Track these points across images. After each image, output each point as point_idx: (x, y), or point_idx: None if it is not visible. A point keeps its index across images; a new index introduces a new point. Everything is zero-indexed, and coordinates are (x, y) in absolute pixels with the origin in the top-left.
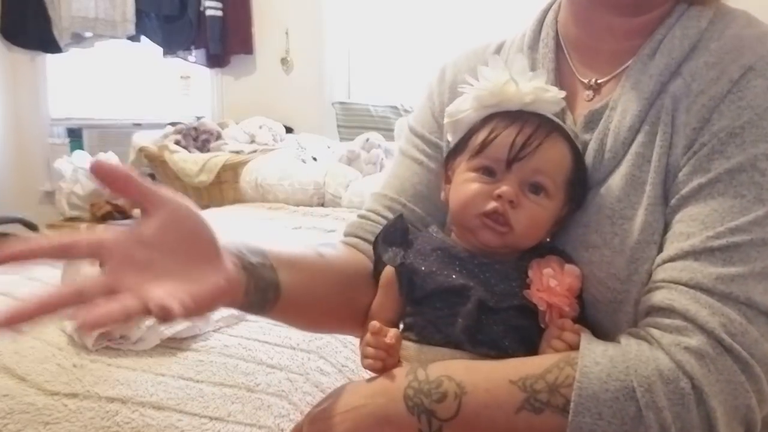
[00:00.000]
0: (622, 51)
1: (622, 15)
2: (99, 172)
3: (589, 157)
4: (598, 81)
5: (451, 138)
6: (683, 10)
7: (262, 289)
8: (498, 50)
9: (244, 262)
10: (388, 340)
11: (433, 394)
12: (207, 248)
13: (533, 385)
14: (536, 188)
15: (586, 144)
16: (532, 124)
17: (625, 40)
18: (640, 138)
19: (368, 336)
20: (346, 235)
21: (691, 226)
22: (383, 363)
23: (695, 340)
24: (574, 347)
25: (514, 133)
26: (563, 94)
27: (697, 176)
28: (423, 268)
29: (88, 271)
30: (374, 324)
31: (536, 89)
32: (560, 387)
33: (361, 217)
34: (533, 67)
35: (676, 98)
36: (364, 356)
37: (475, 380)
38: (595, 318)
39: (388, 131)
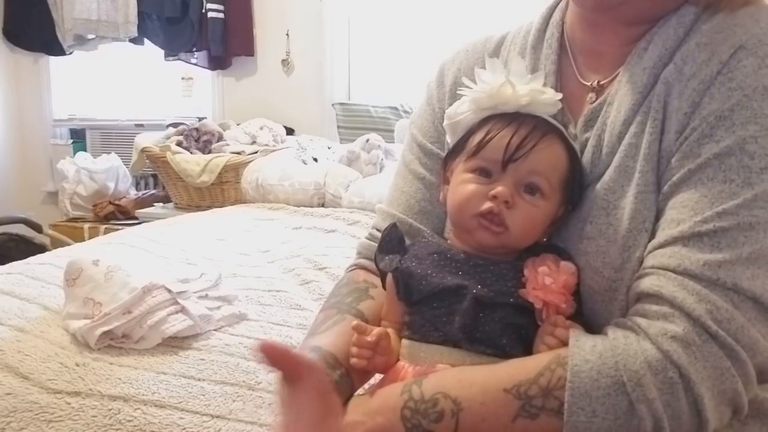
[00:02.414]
0: (625, 53)
1: (629, 25)
2: (267, 353)
3: (587, 154)
4: (601, 82)
5: (450, 139)
6: (683, 2)
7: (349, 396)
8: (500, 44)
9: (332, 383)
10: (369, 338)
11: (430, 414)
12: (332, 402)
13: (527, 392)
14: (532, 189)
15: (585, 142)
16: (527, 125)
17: (629, 45)
18: (632, 129)
19: (354, 335)
20: (359, 256)
21: (681, 213)
22: (368, 360)
23: (681, 328)
24: (567, 343)
25: (510, 135)
26: (559, 96)
27: (688, 162)
28: (419, 271)
29: (90, 272)
30: (358, 323)
31: (532, 91)
32: (553, 390)
33: (370, 237)
34: (535, 68)
35: (668, 84)
36: (350, 355)
37: (470, 394)
38: (591, 308)
39: (388, 132)
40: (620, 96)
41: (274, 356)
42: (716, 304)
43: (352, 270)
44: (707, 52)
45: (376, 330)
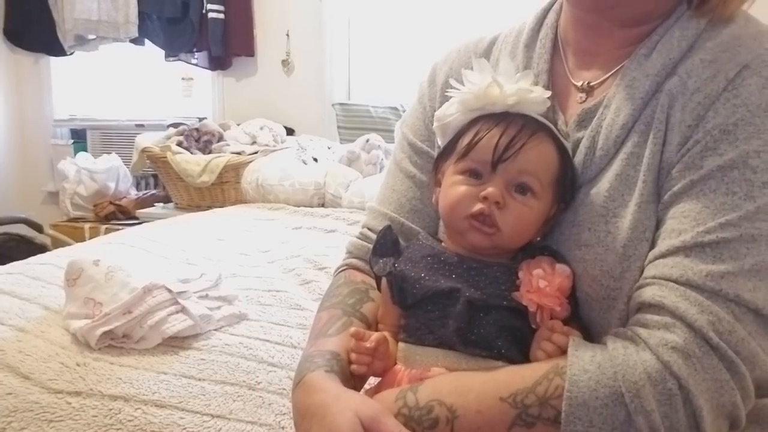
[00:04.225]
0: (619, 55)
1: (625, 26)
2: None
3: (580, 154)
4: (591, 83)
5: (440, 141)
6: (682, 12)
7: None
8: (491, 44)
9: None
10: (368, 344)
11: (425, 420)
12: None
13: (524, 400)
14: (522, 189)
15: (578, 142)
16: (516, 125)
17: (623, 47)
18: (634, 137)
19: (352, 342)
20: (350, 255)
21: (682, 223)
22: (368, 366)
23: (682, 339)
24: (564, 349)
25: (498, 135)
26: (548, 93)
27: (690, 173)
28: (412, 275)
29: (91, 272)
30: (356, 330)
31: (520, 90)
32: (550, 399)
33: (361, 236)
34: (527, 67)
35: (672, 96)
36: (350, 361)
37: (466, 402)
38: (588, 315)
39: (388, 132)
40: (619, 100)
41: None
42: (718, 316)
43: (344, 270)
44: (712, 69)
45: (375, 335)
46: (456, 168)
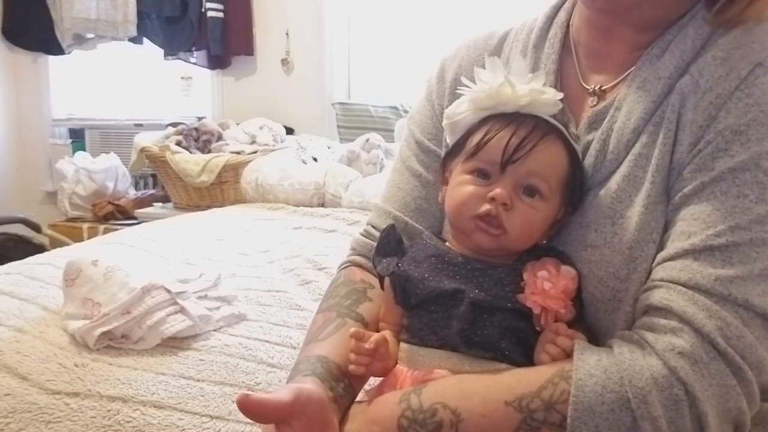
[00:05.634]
0: (631, 59)
1: (639, 30)
2: (248, 409)
3: (590, 157)
4: (603, 87)
5: (449, 139)
6: (698, 10)
7: (350, 406)
8: (502, 41)
9: (335, 398)
10: (368, 345)
11: (429, 424)
12: (332, 425)
13: (529, 405)
14: (531, 191)
15: (588, 144)
16: (527, 126)
17: (635, 50)
18: (643, 138)
19: (352, 341)
20: (353, 252)
21: (692, 225)
22: (366, 367)
23: (689, 344)
24: (569, 352)
25: (509, 136)
26: (560, 95)
27: (701, 174)
28: (416, 275)
29: (89, 272)
30: (356, 330)
31: (532, 91)
32: (556, 403)
33: (365, 233)
34: (536, 67)
35: (683, 95)
36: (348, 361)
37: (470, 405)
38: (593, 317)
39: (388, 132)
40: (630, 102)
41: (258, 412)
42: (726, 321)
43: (346, 267)
44: (725, 67)
45: (374, 336)
46: (464, 167)
